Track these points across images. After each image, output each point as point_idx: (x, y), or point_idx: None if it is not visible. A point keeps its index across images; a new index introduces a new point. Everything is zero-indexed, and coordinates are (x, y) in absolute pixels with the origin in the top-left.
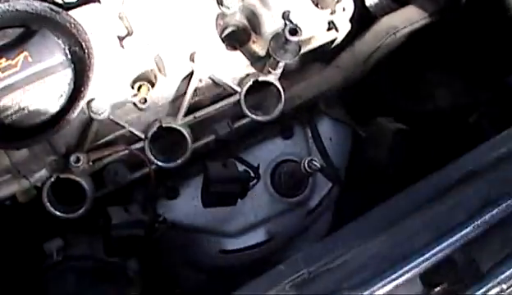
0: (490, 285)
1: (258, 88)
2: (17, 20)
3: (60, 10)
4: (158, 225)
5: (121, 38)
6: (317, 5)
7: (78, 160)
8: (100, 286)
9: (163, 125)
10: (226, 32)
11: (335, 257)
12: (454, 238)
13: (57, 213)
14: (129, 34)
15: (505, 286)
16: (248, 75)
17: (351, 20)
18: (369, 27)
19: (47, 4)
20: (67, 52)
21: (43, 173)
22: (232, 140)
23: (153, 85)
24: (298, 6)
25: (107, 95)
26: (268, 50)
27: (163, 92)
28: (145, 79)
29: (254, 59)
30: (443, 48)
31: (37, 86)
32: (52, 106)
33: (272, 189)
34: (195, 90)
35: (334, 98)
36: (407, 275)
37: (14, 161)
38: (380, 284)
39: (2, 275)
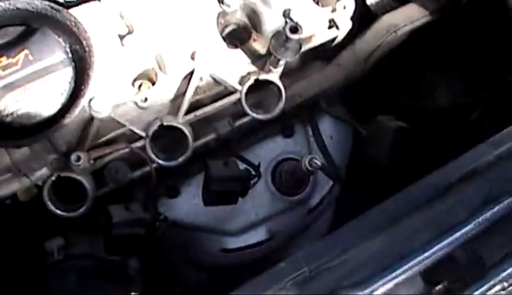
0: (491, 283)
1: (259, 87)
2: (18, 19)
3: (60, 8)
4: (159, 224)
5: (121, 37)
6: (317, 3)
7: (79, 158)
8: (101, 285)
9: (164, 124)
10: (227, 30)
11: (335, 255)
12: (455, 236)
13: (58, 212)
14: (129, 33)
15: (506, 284)
16: (248, 74)
17: (352, 19)
18: (370, 25)
19: (47, 2)
20: (68, 50)
21: (44, 171)
22: (233, 138)
23: (153, 84)
24: (298, 4)
25: (107, 93)
26: (269, 48)
27: (164, 90)
28: (146, 78)
29: (255, 57)
30: (444, 47)
31: (38, 84)
32: (53, 104)
33: (272, 188)
34: (196, 88)
35: (335, 97)
36: (408, 274)
37: (15, 159)
38: (381, 282)
39: (2, 274)
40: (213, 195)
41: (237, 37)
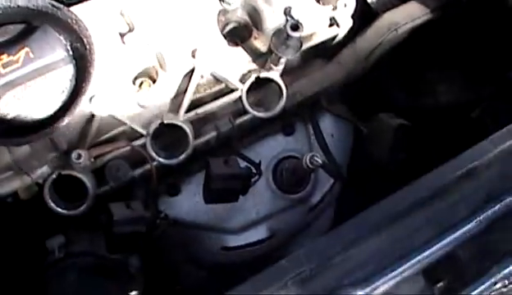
0: (493, 280)
1: (260, 85)
2: (19, 16)
3: (61, 6)
4: (160, 222)
5: (122, 35)
6: (318, 1)
7: (79, 156)
8: (102, 283)
9: (165, 122)
10: (228, 28)
11: (337, 253)
12: (457, 234)
13: (59, 210)
14: (130, 31)
15: (507, 281)
16: (249, 72)
17: (353, 17)
18: (371, 23)
19: (48, 0)
20: (69, 48)
21: (45, 169)
22: (234, 136)
23: (154, 82)
24: (299, 2)
25: (108, 91)
26: (270, 46)
27: (165, 88)
28: (147, 76)
29: (256, 55)
30: (445, 44)
31: (38, 82)
32: (54, 102)
33: (273, 186)
34: (197, 86)
35: (335, 95)
36: (409, 272)
37: (15, 157)
38: (382, 280)
39: (3, 272)
40: (214, 193)
41: (238, 35)
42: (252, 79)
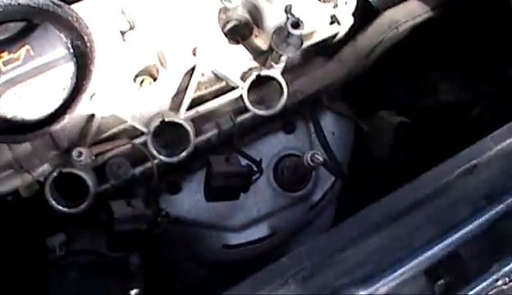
0: (494, 277)
1: (261, 83)
2: (19, 14)
3: (62, 4)
4: (161, 220)
5: (123, 33)
6: None
7: (80, 154)
8: (102, 281)
9: (166, 120)
10: (229, 26)
11: (338, 251)
12: (457, 231)
13: (60, 208)
14: (131, 29)
15: (507, 279)
16: (250, 69)
17: (353, 14)
18: (371, 21)
19: None
20: (69, 45)
21: (46, 167)
22: (235, 134)
23: (155, 79)
24: (300, 0)
25: (109, 89)
26: (271, 44)
27: (165, 86)
28: (147, 74)
29: (257, 53)
30: (445, 42)
31: (39, 80)
32: (54, 99)
33: (274, 184)
34: (198, 84)
35: (336, 92)
36: (410, 269)
37: (16, 155)
38: (383, 278)
39: (4, 270)
40: (215, 191)
41: (239, 33)
42: (253, 77)
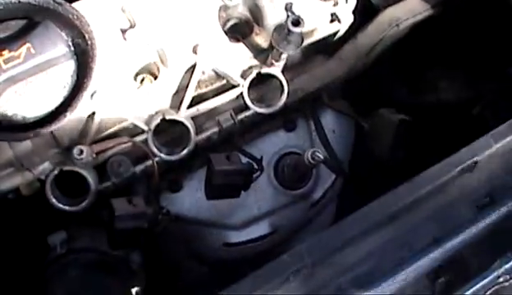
0: (495, 274)
1: (261, 81)
2: (20, 12)
3: (63, 1)
4: (161, 218)
5: (123, 31)
6: None
7: (81, 152)
8: (103, 278)
9: (166, 118)
10: (229, 24)
11: (338, 248)
12: (458, 230)
13: (61, 206)
14: (131, 27)
15: (508, 276)
16: (251, 67)
17: (354, 12)
18: (372, 19)
19: None
20: (70, 43)
21: (47, 165)
22: (235, 132)
23: (155, 78)
24: None
25: (109, 87)
26: (271, 42)
27: (166, 84)
28: (148, 72)
29: (257, 51)
30: (446, 40)
31: (40, 78)
32: (55, 97)
33: (275, 182)
34: (198, 82)
35: (337, 90)
36: (410, 267)
37: (17, 153)
38: (383, 276)
39: (5, 269)
40: (216, 189)
41: (239, 31)
42: (253, 75)
